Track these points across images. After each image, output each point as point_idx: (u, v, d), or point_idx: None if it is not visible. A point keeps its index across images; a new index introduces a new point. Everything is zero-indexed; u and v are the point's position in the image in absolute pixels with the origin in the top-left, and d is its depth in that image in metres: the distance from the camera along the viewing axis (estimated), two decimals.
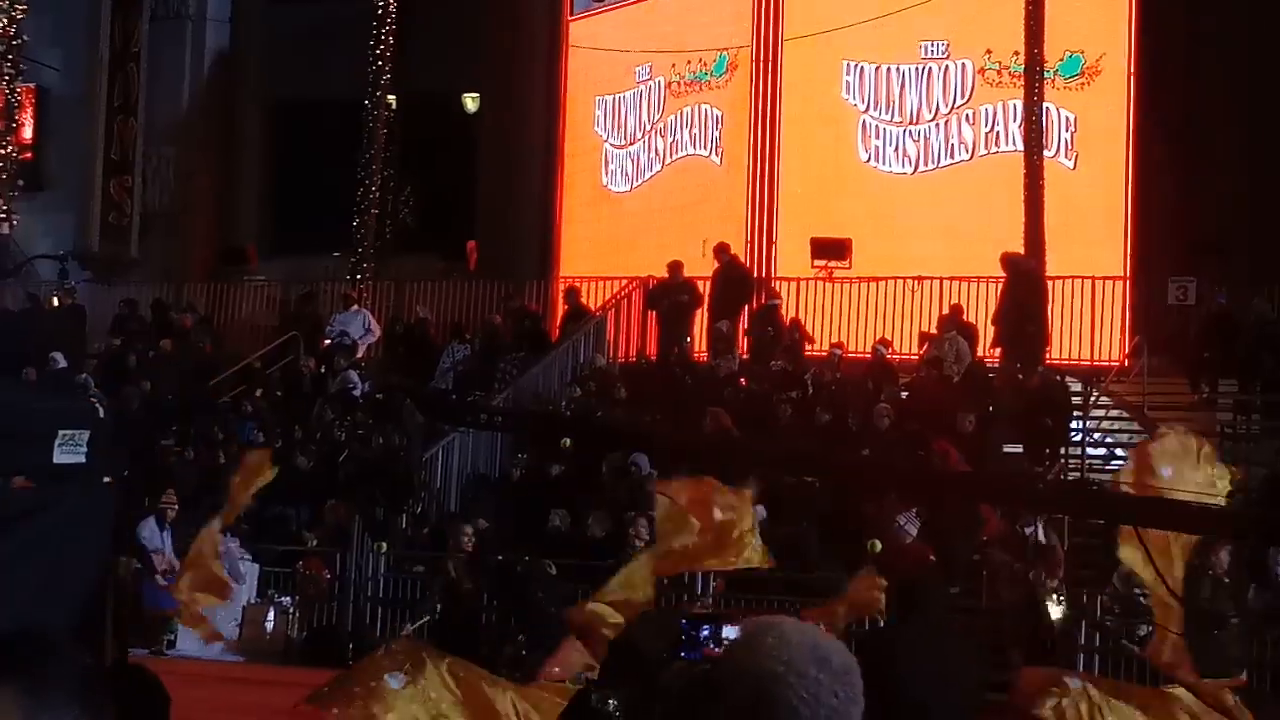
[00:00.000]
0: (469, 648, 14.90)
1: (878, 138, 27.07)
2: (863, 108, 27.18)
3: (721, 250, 25.42)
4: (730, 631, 4.33)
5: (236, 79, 33.92)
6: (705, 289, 25.41)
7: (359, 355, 26.60)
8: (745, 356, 24.87)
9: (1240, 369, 22.70)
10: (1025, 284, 23.08)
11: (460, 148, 31.32)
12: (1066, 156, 25.62)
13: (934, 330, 24.13)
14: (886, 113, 27.05)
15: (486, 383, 25.18)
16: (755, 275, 26.73)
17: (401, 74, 29.19)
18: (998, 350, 23.46)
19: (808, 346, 24.75)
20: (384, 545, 20.53)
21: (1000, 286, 23.43)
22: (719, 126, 28.24)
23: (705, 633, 4.45)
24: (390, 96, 29.71)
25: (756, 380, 23.81)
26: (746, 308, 25.78)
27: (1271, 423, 22.22)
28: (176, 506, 20.95)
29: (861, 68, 27.14)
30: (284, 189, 33.49)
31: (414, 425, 23.14)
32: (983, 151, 26.34)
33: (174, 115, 33.52)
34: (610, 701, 3.44)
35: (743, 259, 26.64)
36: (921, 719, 3.29)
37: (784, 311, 25.65)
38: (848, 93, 27.28)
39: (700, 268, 25.71)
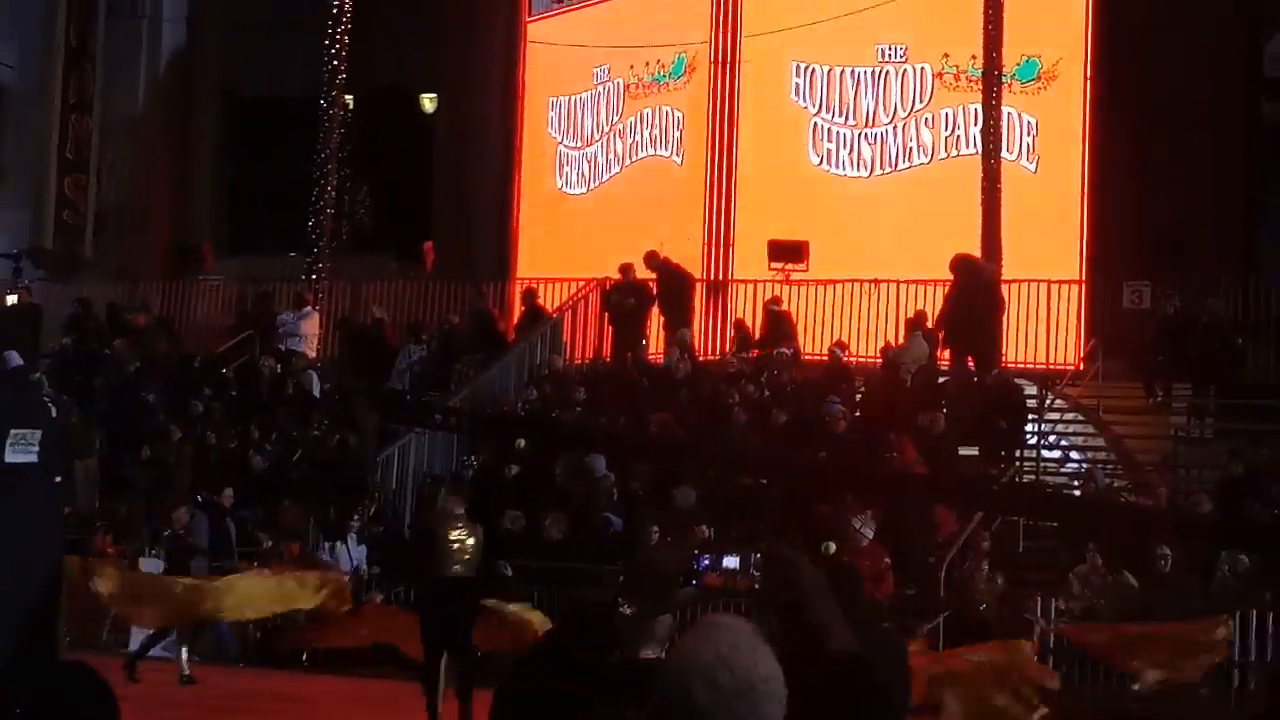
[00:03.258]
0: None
1: (830, 140, 27.12)
2: (813, 110, 27.23)
3: (651, 257, 25.38)
4: (730, 561, 4.43)
5: (192, 77, 33.76)
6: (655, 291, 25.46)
7: (311, 355, 26.50)
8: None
9: (1194, 372, 22.81)
10: (976, 287, 23.13)
11: (417, 147, 31.26)
12: (1028, 160, 25.72)
13: (901, 337, 24.12)
14: (839, 115, 27.10)
15: (443, 384, 25.15)
16: (712, 278, 26.79)
17: (359, 73, 29.07)
18: (947, 353, 23.52)
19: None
20: (338, 545, 20.47)
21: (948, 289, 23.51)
22: (679, 128, 28.25)
23: (705, 562, 4.52)
24: (347, 95, 29.61)
25: (712, 381, 23.83)
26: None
27: (1225, 426, 22.33)
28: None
29: (812, 70, 27.19)
30: (240, 188, 33.38)
31: (369, 426, 23.10)
32: (942, 155, 26.41)
33: (130, 113, 33.34)
34: (630, 609, 3.52)
35: (700, 261, 26.69)
36: (885, 713, 3.32)
37: (742, 314, 25.77)
38: (796, 95, 27.33)
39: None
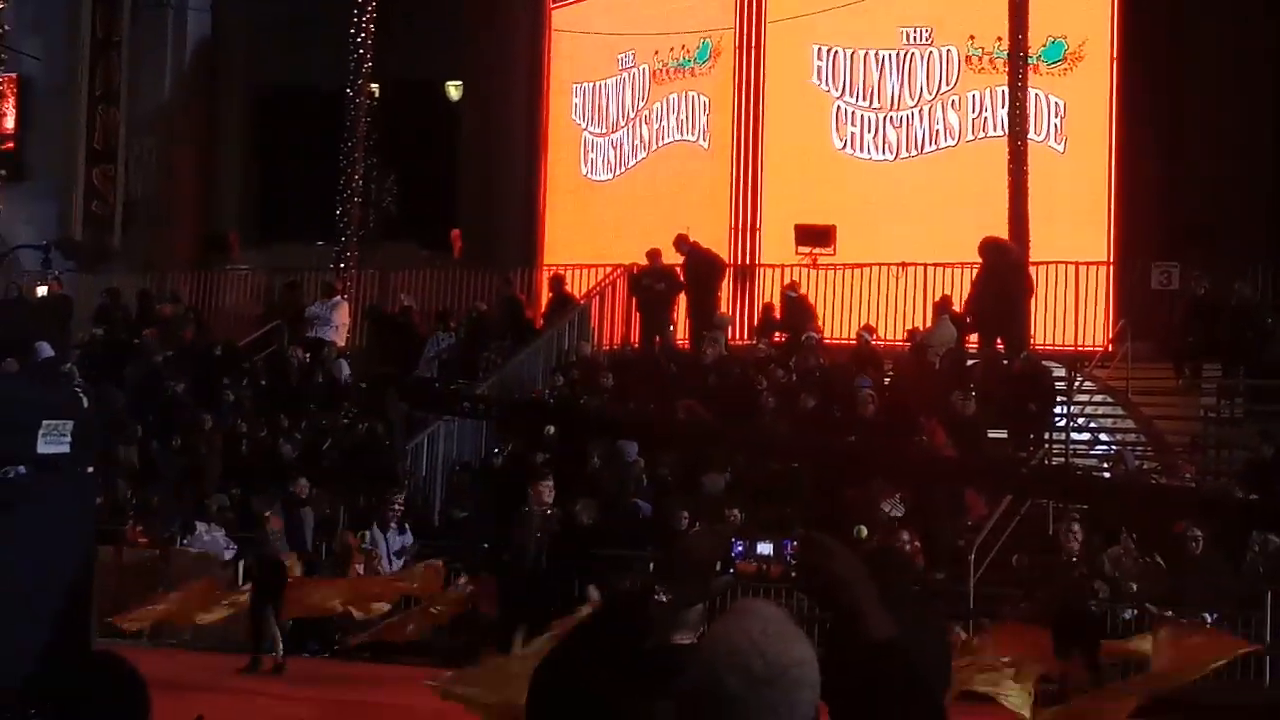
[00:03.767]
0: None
1: (854, 124, 27.08)
2: (836, 94, 27.19)
3: (681, 241, 25.36)
4: (764, 548, 4.45)
5: (218, 67, 33.84)
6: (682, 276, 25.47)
7: (341, 344, 26.56)
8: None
9: (1223, 353, 22.74)
10: (1005, 269, 23.09)
11: (443, 136, 31.29)
12: (1056, 141, 25.66)
13: (928, 320, 24.09)
14: (864, 99, 27.05)
15: (471, 371, 25.18)
16: (739, 263, 26.80)
17: (383, 62, 29.10)
18: (975, 336, 23.49)
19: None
20: (367, 534, 20.52)
21: (976, 272, 23.47)
22: (706, 113, 28.24)
23: (739, 548, 4.55)
24: (373, 85, 29.64)
25: (742, 366, 23.83)
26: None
27: (1255, 406, 22.27)
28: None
29: (835, 53, 27.15)
30: (267, 177, 33.45)
31: (398, 414, 23.13)
32: (970, 137, 26.36)
33: (156, 104, 33.43)
34: (667, 597, 3.55)
35: (726, 245, 26.69)
36: (922, 698, 3.32)
37: (771, 299, 25.78)
38: (819, 78, 27.29)
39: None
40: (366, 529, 20.87)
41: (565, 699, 3.58)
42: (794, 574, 4.66)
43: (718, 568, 4.36)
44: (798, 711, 3.09)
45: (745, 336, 25.90)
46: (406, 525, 21.12)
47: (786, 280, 25.60)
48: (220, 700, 15.04)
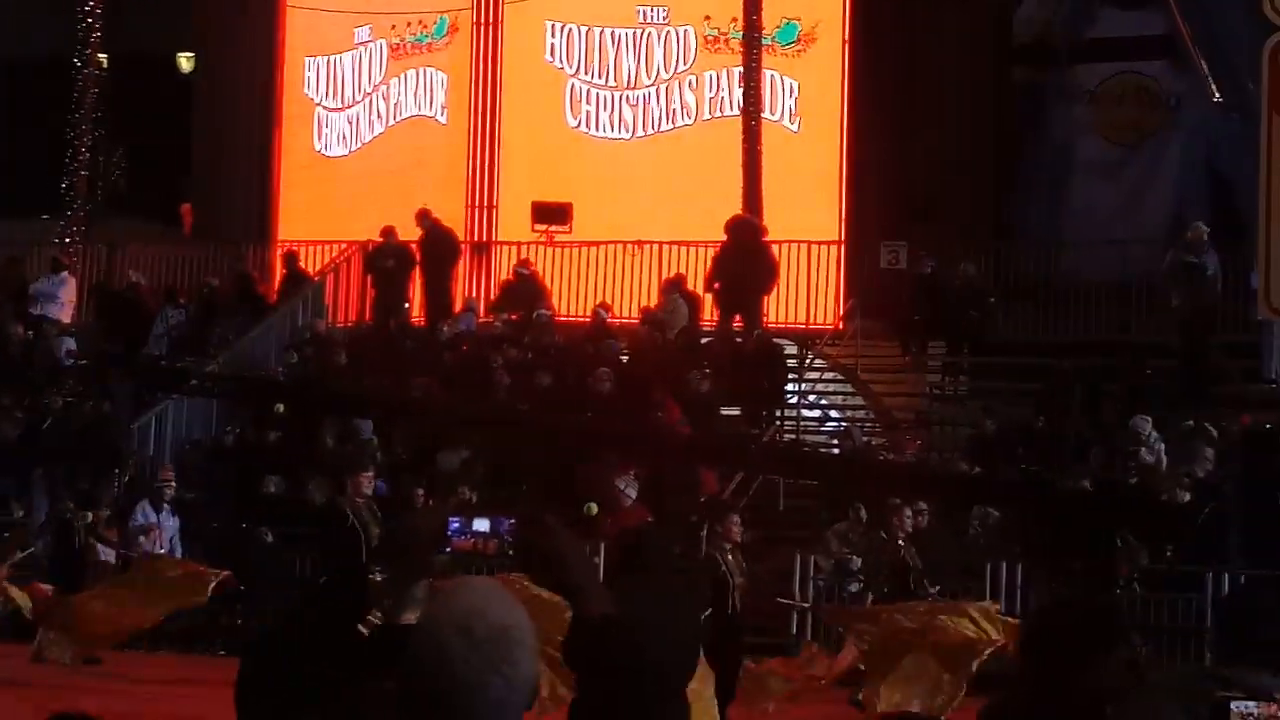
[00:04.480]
0: None
1: (589, 102, 27.17)
2: (571, 71, 27.26)
3: (423, 216, 25.27)
4: (481, 524, 4.47)
5: None
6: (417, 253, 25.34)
7: (67, 321, 25.88)
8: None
9: (948, 331, 23.33)
10: (751, 249, 23.38)
11: (174, 109, 30.59)
12: (790, 121, 26.03)
13: (657, 299, 24.29)
14: (600, 77, 27.15)
15: (202, 348, 24.73)
16: (476, 239, 26.74)
17: (113, 32, 28.36)
18: (717, 313, 23.76)
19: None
20: (89, 515, 19.98)
21: (716, 250, 23.71)
22: (444, 89, 28.06)
23: (455, 525, 4.57)
24: (101, 55, 28.88)
25: (477, 344, 23.78)
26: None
27: (978, 383, 22.88)
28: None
29: (570, 30, 27.20)
30: None
31: (123, 392, 22.63)
32: (706, 117, 26.62)
33: None
34: (382, 575, 3.51)
35: (463, 223, 26.61)
36: (641, 673, 3.33)
37: (505, 276, 25.77)
38: (552, 56, 27.33)
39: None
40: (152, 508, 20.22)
41: (283, 686, 3.51)
42: (512, 551, 4.69)
43: (435, 546, 4.37)
44: (518, 670, 3.15)
45: (483, 314, 25.87)
46: (176, 509, 20.55)
47: (533, 257, 25.63)
48: None
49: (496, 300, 25.43)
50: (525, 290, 24.74)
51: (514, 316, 24.43)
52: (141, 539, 19.87)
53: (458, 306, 25.30)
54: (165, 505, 20.32)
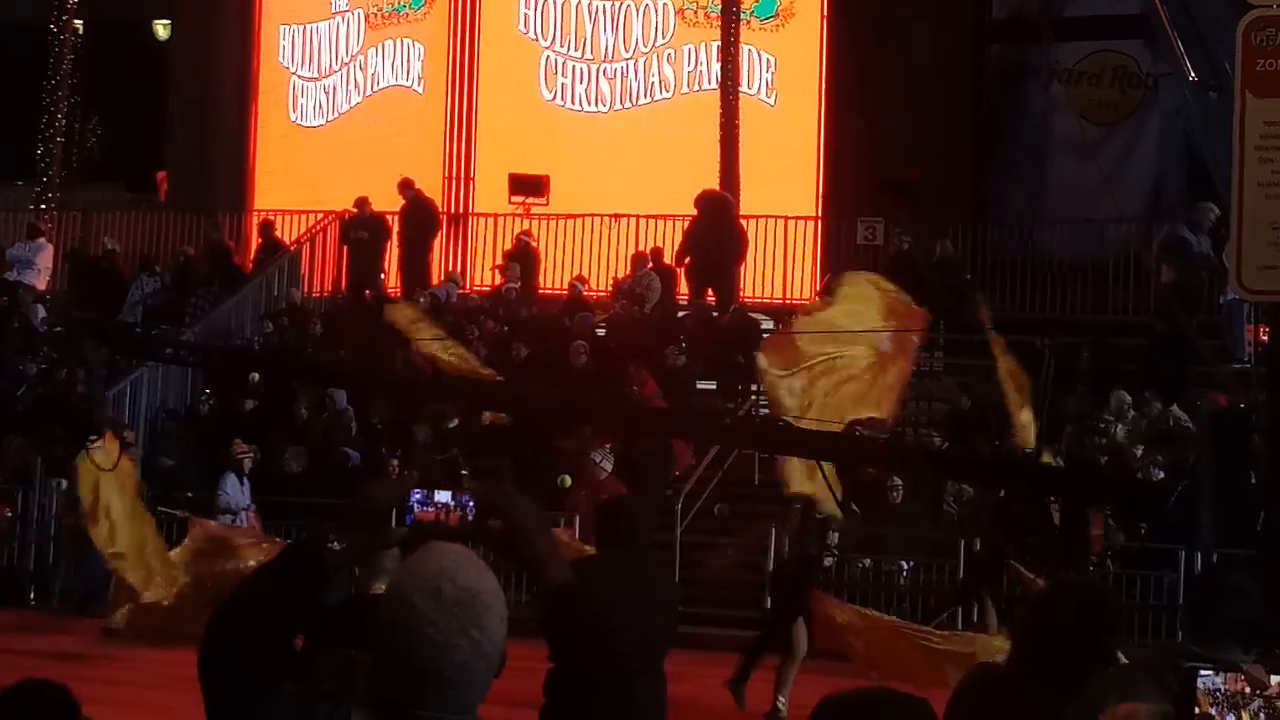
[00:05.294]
0: None
1: (565, 75, 27.11)
2: (546, 44, 27.19)
3: (406, 186, 25.24)
4: (443, 496, 4.50)
5: None
6: (395, 223, 25.28)
7: (42, 288, 25.80)
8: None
9: (924, 307, 23.27)
10: (723, 223, 23.37)
11: (151, 76, 30.45)
12: (768, 96, 26.01)
13: (628, 271, 24.29)
14: (576, 50, 27.09)
15: (177, 317, 24.67)
16: (453, 211, 26.70)
17: None
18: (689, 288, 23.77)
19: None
20: (63, 483, 19.93)
21: (689, 224, 23.71)
22: (421, 59, 27.99)
23: (417, 497, 4.59)
24: (77, 21, 28.74)
25: (454, 315, 23.75)
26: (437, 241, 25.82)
27: (954, 360, 22.90)
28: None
29: (546, 3, 27.14)
30: None
31: (97, 360, 22.53)
32: (684, 90, 26.60)
33: None
34: (338, 544, 3.50)
35: (440, 194, 26.56)
36: (612, 643, 3.33)
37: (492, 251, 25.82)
38: (526, 27, 27.26)
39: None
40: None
41: (246, 659, 3.49)
42: (473, 521, 4.70)
43: (395, 516, 4.38)
44: (487, 635, 3.16)
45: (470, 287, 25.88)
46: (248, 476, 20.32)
47: (508, 229, 25.66)
48: None
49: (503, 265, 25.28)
50: (525, 260, 24.76)
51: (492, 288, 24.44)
52: None
53: (434, 278, 25.26)
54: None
